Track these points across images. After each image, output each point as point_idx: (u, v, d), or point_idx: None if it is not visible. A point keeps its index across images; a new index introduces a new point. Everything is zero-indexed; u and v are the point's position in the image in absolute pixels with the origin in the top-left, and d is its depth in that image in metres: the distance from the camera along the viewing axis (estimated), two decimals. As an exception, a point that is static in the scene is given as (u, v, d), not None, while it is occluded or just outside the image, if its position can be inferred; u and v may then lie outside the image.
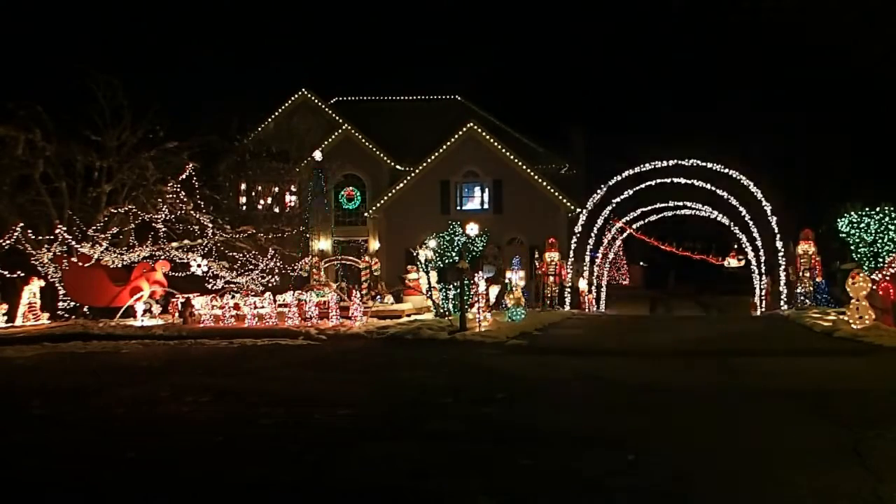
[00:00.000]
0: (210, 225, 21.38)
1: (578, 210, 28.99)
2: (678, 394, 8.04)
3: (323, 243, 20.92)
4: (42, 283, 18.89)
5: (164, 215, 20.46)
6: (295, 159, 28.13)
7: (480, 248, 19.46)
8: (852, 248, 18.88)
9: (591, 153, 36.10)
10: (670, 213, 27.90)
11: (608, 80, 66.76)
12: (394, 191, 30.85)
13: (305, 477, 5.05)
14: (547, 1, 71.50)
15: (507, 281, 20.20)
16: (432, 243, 18.90)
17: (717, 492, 4.64)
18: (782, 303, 21.77)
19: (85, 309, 19.31)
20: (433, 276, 18.60)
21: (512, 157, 30.21)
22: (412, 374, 9.91)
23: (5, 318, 18.10)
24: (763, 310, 24.46)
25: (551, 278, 24.86)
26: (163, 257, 20.37)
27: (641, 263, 52.95)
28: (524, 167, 30.16)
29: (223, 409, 7.46)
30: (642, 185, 24.96)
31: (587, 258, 27.22)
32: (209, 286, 20.85)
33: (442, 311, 18.17)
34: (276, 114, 31.85)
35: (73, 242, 19.17)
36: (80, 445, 6.12)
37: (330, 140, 30.78)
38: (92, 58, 22.03)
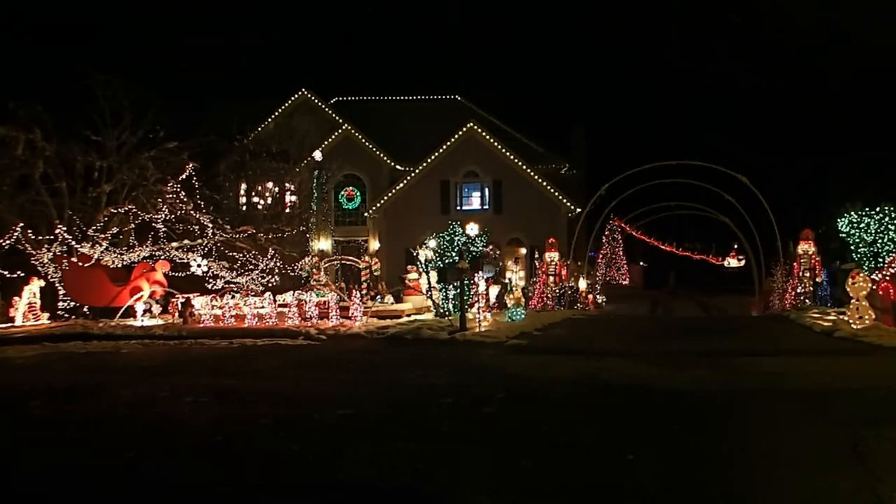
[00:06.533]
0: (210, 225, 21.37)
1: (578, 210, 29.00)
2: (677, 394, 8.03)
3: (323, 243, 20.91)
4: (42, 283, 18.88)
5: (164, 215, 20.45)
6: (295, 159, 28.13)
7: (480, 248, 19.44)
8: (852, 248, 18.87)
9: (591, 153, 36.15)
10: (670, 213, 27.90)
11: (609, 80, 66.82)
12: (394, 191, 30.85)
13: (306, 477, 5.05)
14: (547, 1, 71.51)
15: (507, 281, 20.19)
16: (432, 243, 18.88)
17: (717, 492, 4.64)
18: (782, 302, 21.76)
19: (85, 309, 19.30)
20: (433, 276, 18.59)
21: (512, 157, 30.21)
22: (412, 374, 9.91)
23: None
24: (763, 310, 24.45)
25: (551, 278, 24.85)
26: (163, 257, 20.35)
27: (641, 263, 52.92)
28: (524, 167, 30.16)
29: (223, 409, 7.45)
30: (642, 185, 24.96)
31: (587, 258, 27.20)
32: (209, 286, 20.84)
33: (442, 311, 18.16)
34: (276, 114, 31.87)
35: (73, 242, 19.15)
36: (80, 445, 6.11)
37: (330, 140, 30.80)
38: (92, 58, 22.06)
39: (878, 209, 18.43)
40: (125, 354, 12.97)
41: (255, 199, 29.03)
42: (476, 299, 16.03)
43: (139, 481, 5.07)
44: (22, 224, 19.22)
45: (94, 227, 19.82)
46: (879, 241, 18.20)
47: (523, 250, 29.95)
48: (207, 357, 12.25)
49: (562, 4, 74.51)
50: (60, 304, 19.25)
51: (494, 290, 19.52)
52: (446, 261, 18.34)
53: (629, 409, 7.23)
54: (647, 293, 41.55)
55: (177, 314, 18.39)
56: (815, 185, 33.15)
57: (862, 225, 18.46)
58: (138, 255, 20.15)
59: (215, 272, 21.13)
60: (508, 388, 8.55)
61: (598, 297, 28.93)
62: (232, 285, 21.09)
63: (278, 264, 22.14)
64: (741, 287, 30.95)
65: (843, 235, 19.02)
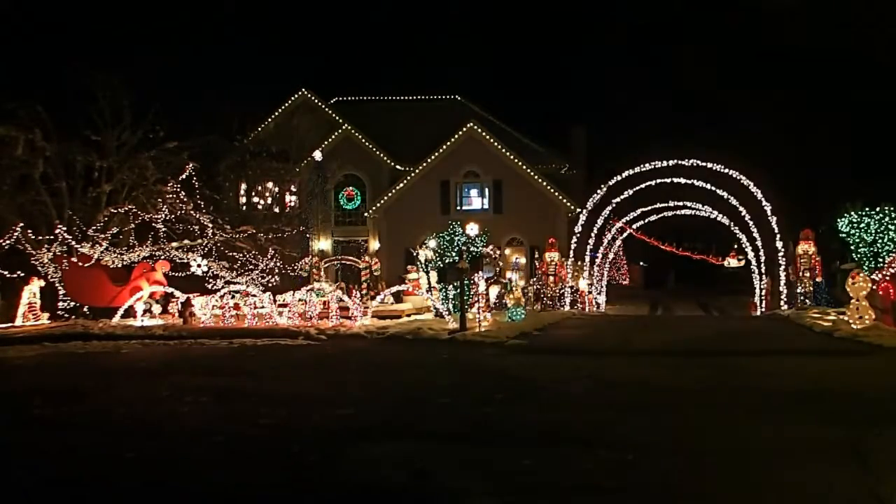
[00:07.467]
0: (210, 225, 21.35)
1: (578, 210, 28.96)
2: (677, 394, 8.03)
3: (323, 243, 20.91)
4: (42, 283, 18.87)
5: (164, 215, 20.42)
6: (295, 159, 28.12)
7: (480, 248, 19.43)
8: (852, 248, 18.87)
9: (592, 153, 36.11)
10: (670, 213, 27.85)
11: (609, 80, 66.84)
12: (394, 191, 30.84)
13: (306, 477, 5.05)
14: (547, 1, 71.54)
15: (507, 281, 20.16)
16: (432, 243, 18.89)
17: (717, 492, 4.64)
18: (782, 303, 21.73)
19: (85, 309, 19.29)
20: (433, 276, 18.59)
21: (512, 157, 30.20)
22: (412, 374, 9.91)
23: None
24: (763, 310, 24.44)
25: (551, 278, 24.84)
26: (163, 257, 20.34)
27: (641, 263, 52.94)
28: (524, 167, 30.15)
29: (223, 409, 7.46)
30: (642, 185, 24.89)
31: (587, 258, 27.19)
32: (209, 286, 20.83)
33: (442, 311, 18.16)
34: (276, 114, 31.85)
35: (73, 242, 19.14)
36: (80, 445, 6.11)
37: (330, 140, 30.78)
38: (92, 57, 22.06)
39: (878, 209, 18.43)
40: (125, 354, 12.97)
41: (255, 199, 29.02)
42: (476, 299, 16.03)
43: (139, 481, 5.07)
44: (22, 224, 19.21)
45: (94, 227, 19.81)
46: (879, 241, 18.21)
47: (523, 259, 29.95)
48: (207, 357, 12.25)
49: (562, 4, 74.55)
50: (60, 304, 19.24)
51: (494, 290, 19.52)
52: (446, 261, 18.34)
53: (629, 409, 7.23)
54: (647, 293, 41.59)
55: (177, 314, 18.39)
56: (816, 185, 33.16)
57: (862, 225, 18.47)
58: (138, 255, 20.13)
59: (215, 272, 21.13)
60: (508, 387, 8.55)
61: (597, 296, 28.93)
62: (232, 285, 21.08)
63: (278, 264, 22.14)
64: (741, 287, 30.95)
65: (843, 235, 19.02)
